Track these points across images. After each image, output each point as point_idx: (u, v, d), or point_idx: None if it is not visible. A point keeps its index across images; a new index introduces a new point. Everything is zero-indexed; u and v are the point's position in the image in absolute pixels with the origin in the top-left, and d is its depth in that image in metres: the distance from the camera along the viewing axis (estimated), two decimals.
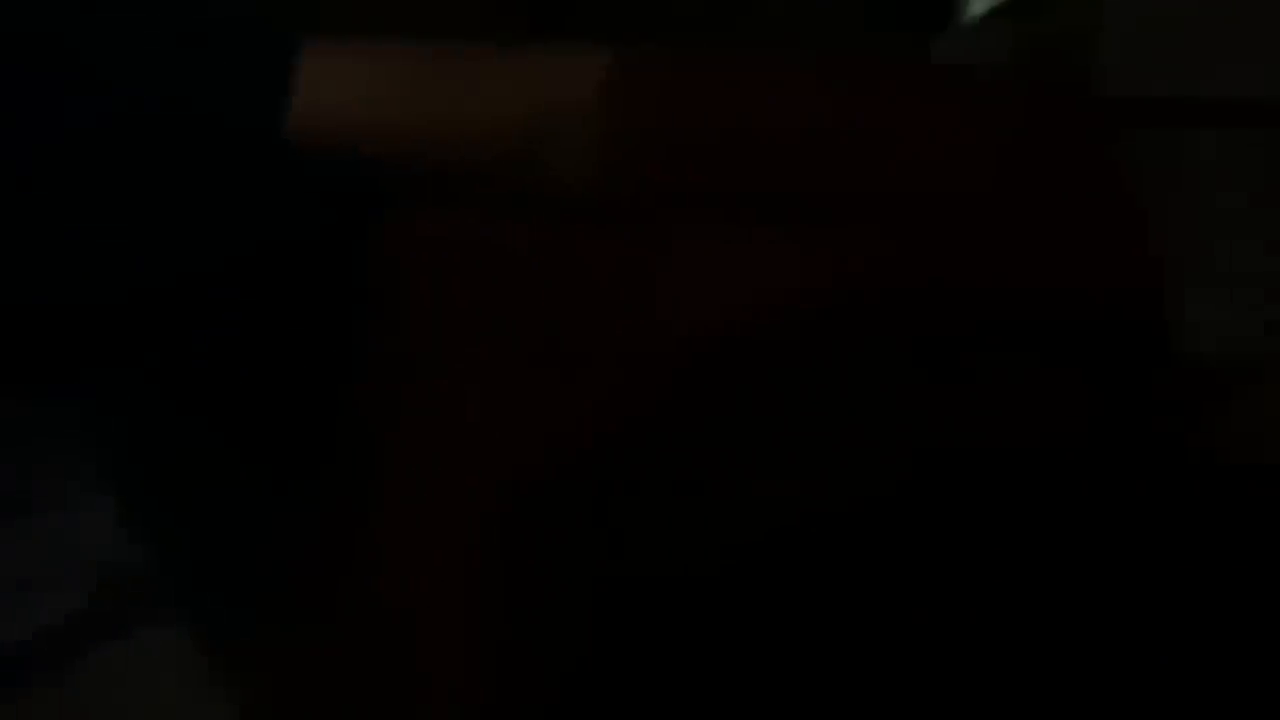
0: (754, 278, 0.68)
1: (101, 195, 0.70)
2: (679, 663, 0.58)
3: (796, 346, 0.65)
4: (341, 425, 0.71)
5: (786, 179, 0.73)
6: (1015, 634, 0.51)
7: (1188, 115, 1.67)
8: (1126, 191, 0.80)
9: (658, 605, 0.61)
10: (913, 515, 0.57)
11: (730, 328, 0.66)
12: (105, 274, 0.69)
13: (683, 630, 0.59)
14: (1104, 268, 0.76)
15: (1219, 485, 0.57)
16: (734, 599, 0.58)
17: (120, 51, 0.72)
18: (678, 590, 0.61)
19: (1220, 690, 0.50)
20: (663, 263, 0.69)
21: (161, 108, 0.70)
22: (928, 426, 0.63)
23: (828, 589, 0.56)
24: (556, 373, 0.69)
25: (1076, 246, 0.75)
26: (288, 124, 0.71)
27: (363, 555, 0.68)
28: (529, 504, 0.66)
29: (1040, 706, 0.51)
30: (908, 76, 0.80)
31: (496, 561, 0.65)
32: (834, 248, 0.70)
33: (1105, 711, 0.50)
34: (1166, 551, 0.52)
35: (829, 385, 0.64)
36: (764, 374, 0.65)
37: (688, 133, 0.74)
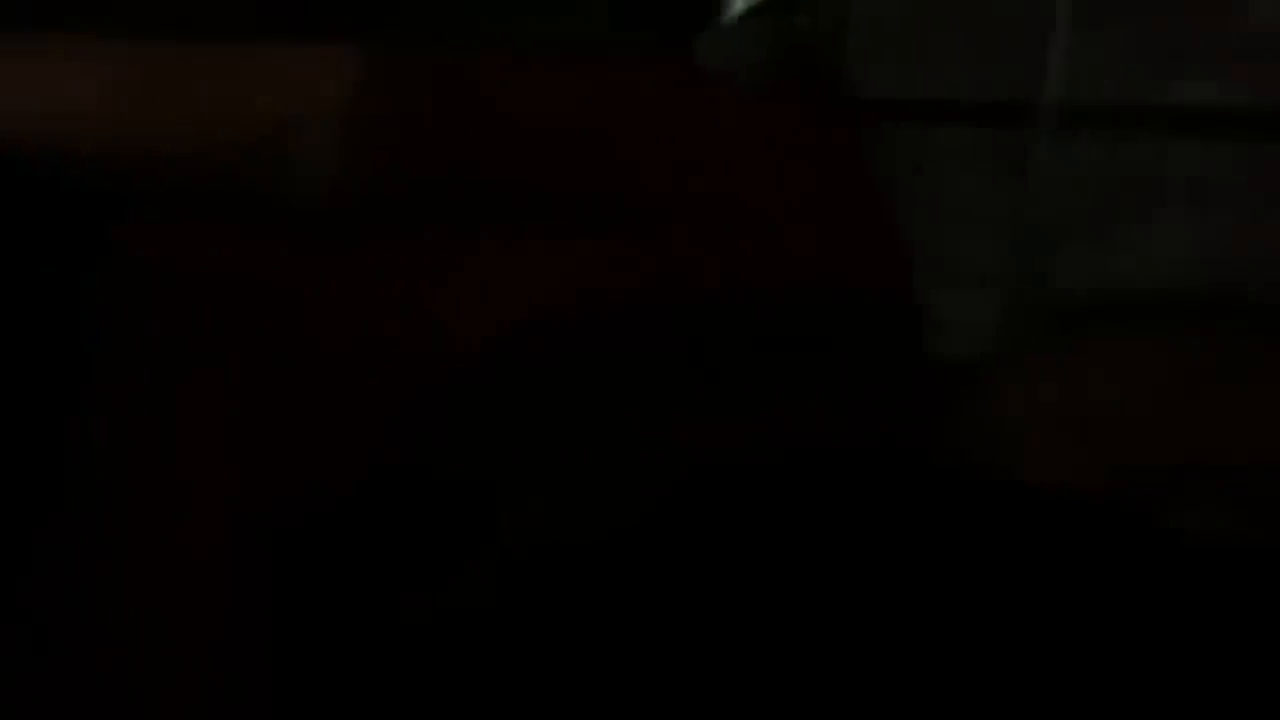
0: (503, 293, 0.67)
1: None
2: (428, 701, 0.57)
3: (549, 363, 0.65)
4: (70, 451, 0.67)
5: (539, 180, 0.72)
6: (757, 646, 0.51)
7: (934, 115, 1.75)
8: (874, 192, 0.82)
9: (422, 638, 0.59)
10: (673, 530, 0.56)
11: (483, 344, 0.65)
12: None
13: (446, 663, 0.58)
14: (854, 269, 0.77)
15: (957, 490, 0.58)
16: (505, 629, 0.57)
17: None
18: (448, 623, 0.59)
19: (945, 684, 0.51)
20: (409, 280, 0.68)
21: None
22: (685, 436, 0.63)
23: (580, 616, 0.55)
24: (304, 397, 0.66)
25: (826, 248, 0.76)
26: None
27: (92, 583, 0.64)
28: (276, 537, 0.63)
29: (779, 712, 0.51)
30: (662, 77, 0.80)
31: (239, 595, 0.62)
32: (583, 255, 0.69)
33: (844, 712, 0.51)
34: (906, 551, 0.53)
35: (583, 401, 0.64)
36: (521, 394, 0.64)
37: (440, 132, 0.72)
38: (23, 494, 0.68)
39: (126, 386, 0.68)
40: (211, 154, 0.73)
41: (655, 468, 0.59)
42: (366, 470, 0.63)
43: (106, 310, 0.70)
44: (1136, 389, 0.70)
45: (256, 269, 0.71)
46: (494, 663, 0.54)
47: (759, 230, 0.73)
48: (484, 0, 1.19)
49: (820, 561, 0.52)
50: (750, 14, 1.68)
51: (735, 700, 0.49)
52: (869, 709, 0.47)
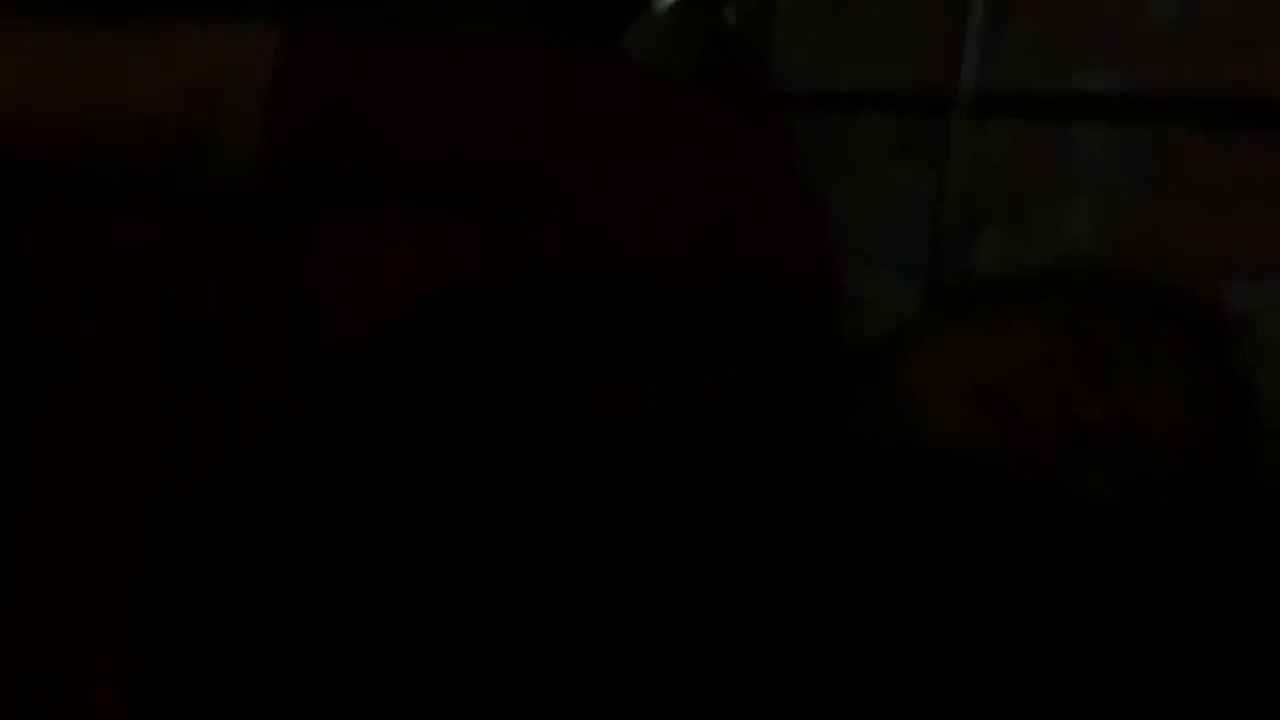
0: (416, 267, 0.67)
1: None
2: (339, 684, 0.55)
3: (462, 335, 0.65)
4: None
5: (456, 159, 0.73)
6: (667, 608, 0.51)
7: (855, 106, 1.78)
8: (791, 178, 0.84)
9: (319, 624, 0.58)
10: (571, 504, 0.57)
11: (395, 317, 0.65)
12: None
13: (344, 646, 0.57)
14: (768, 249, 0.79)
15: (863, 455, 0.60)
16: (423, 595, 0.56)
17: None
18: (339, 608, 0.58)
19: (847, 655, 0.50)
20: (321, 268, 0.68)
21: None
22: (598, 405, 0.64)
23: (486, 583, 0.55)
24: (212, 378, 0.66)
25: (740, 229, 0.78)
26: None
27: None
28: (186, 512, 0.63)
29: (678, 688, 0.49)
30: (581, 62, 0.81)
31: (148, 572, 0.61)
32: (498, 231, 0.70)
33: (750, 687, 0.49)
34: (811, 515, 0.54)
35: (494, 375, 0.64)
36: (433, 365, 0.65)
37: (360, 112, 0.73)
38: None
39: (28, 362, 0.68)
40: (131, 133, 0.73)
41: (569, 436, 0.60)
42: (277, 443, 0.63)
43: (11, 295, 0.69)
44: (1034, 360, 0.74)
45: (167, 260, 0.71)
46: (409, 629, 0.54)
47: (674, 211, 0.75)
48: None
49: (727, 526, 0.53)
50: (678, 6, 1.71)
51: (654, 659, 0.50)
52: (776, 657, 0.48)
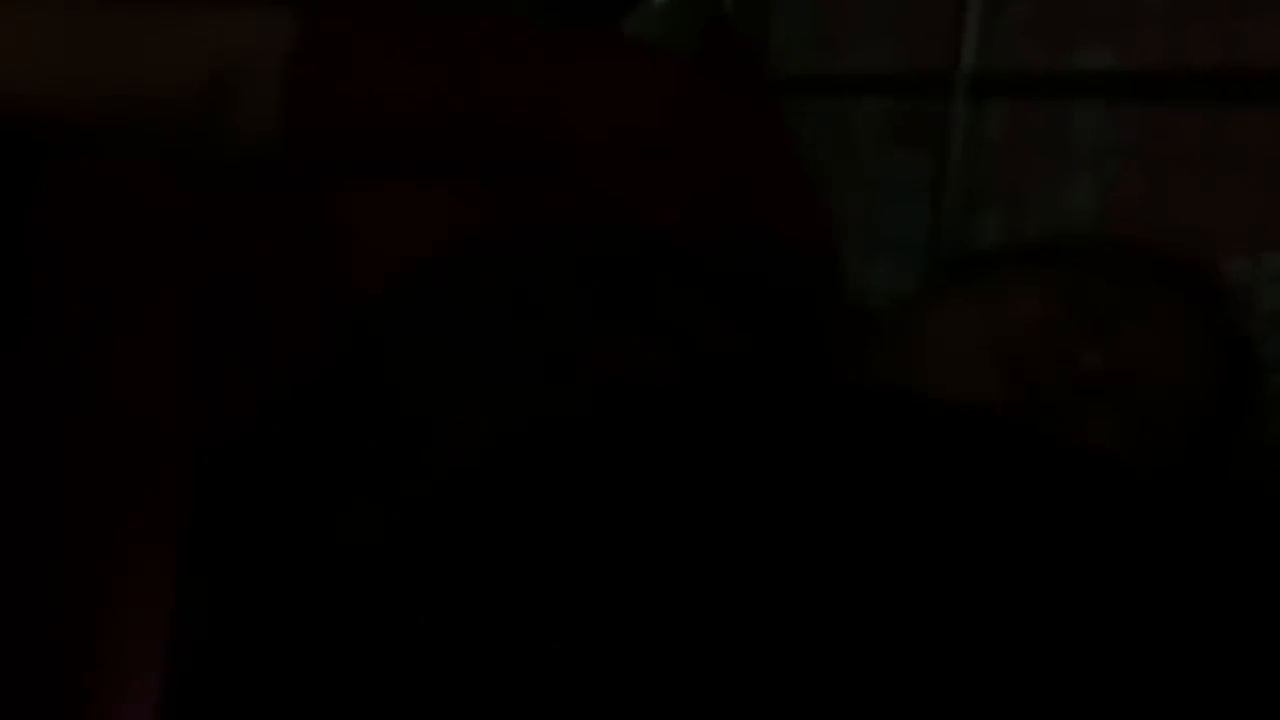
0: (432, 231, 0.69)
1: None
2: (373, 624, 0.57)
3: (473, 292, 0.67)
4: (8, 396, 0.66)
5: (463, 133, 0.74)
6: (684, 553, 0.50)
7: (855, 89, 1.79)
8: (787, 150, 0.85)
9: (355, 568, 0.59)
10: (592, 439, 0.58)
11: (407, 279, 0.67)
12: None
13: (380, 588, 0.59)
14: (775, 218, 0.81)
15: (866, 402, 0.61)
16: (432, 546, 0.57)
17: None
18: (374, 554, 0.60)
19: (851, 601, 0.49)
20: (342, 225, 0.69)
21: None
22: (602, 358, 0.65)
23: (514, 522, 0.56)
24: (246, 329, 0.68)
25: (738, 191, 0.79)
26: None
27: (41, 531, 0.63)
28: (218, 458, 0.64)
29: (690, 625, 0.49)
30: (588, 35, 0.82)
31: (184, 534, 0.62)
32: (514, 202, 0.72)
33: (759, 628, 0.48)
34: (820, 460, 0.54)
35: (507, 326, 0.66)
36: (444, 321, 0.66)
37: (373, 86, 0.74)
38: None
39: (66, 316, 0.68)
40: (152, 107, 0.75)
41: (576, 384, 0.61)
42: (308, 391, 0.64)
43: (41, 255, 0.70)
44: (1035, 316, 0.75)
45: (194, 206, 0.72)
46: (440, 568, 0.55)
47: (676, 175, 0.77)
48: None
49: (740, 463, 0.54)
50: None
51: (663, 587, 0.51)
52: (772, 590, 0.49)
